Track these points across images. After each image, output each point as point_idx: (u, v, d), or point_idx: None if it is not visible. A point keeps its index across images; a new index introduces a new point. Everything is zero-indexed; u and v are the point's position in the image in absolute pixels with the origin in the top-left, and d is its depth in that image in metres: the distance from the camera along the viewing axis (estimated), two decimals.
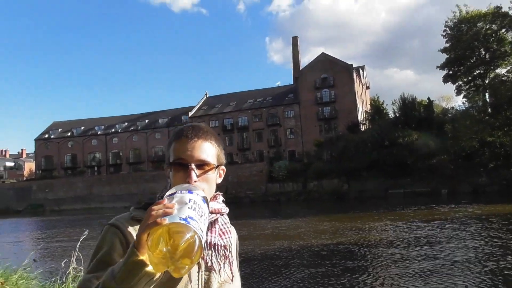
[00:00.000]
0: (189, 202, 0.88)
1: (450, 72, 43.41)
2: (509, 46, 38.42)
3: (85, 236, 3.39)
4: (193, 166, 1.07)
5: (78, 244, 3.05)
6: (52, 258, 11.49)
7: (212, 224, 1.11)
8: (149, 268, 0.84)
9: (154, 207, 0.86)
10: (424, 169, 35.98)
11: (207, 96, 67.61)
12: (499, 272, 7.83)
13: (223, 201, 1.19)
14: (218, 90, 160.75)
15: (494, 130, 34.19)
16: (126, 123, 68.46)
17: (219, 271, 1.10)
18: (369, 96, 65.55)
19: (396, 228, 15.20)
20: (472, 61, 41.67)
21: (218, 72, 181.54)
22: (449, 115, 44.05)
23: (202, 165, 1.09)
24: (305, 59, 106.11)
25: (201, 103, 65.28)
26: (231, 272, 1.13)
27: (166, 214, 0.83)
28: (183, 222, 0.83)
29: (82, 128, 69.65)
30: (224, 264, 1.11)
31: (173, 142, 1.13)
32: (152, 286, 0.89)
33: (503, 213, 17.99)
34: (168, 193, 0.94)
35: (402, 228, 15.07)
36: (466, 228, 13.92)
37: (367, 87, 66.15)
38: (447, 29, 42.98)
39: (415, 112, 44.58)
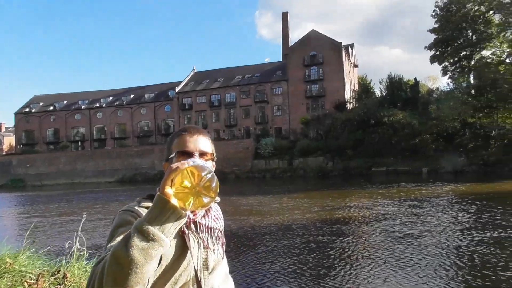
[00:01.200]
0: (200, 160, 1.10)
1: (438, 52, 43.62)
2: (496, 29, 38.57)
3: (85, 218, 3.46)
4: (197, 154, 1.26)
5: (81, 226, 3.10)
6: (39, 236, 11.60)
7: (207, 211, 1.29)
8: (175, 203, 0.98)
9: (172, 164, 1.04)
10: (407, 149, 36.60)
11: (195, 71, 66.74)
12: (446, 245, 8.29)
13: None
14: (206, 66, 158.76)
15: (475, 112, 34.77)
16: (111, 98, 67.41)
17: (214, 250, 1.28)
18: (357, 74, 65.61)
19: (368, 205, 15.54)
20: (459, 42, 41.87)
21: (206, 47, 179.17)
22: (434, 96, 44.57)
23: (203, 154, 1.29)
24: (296, 35, 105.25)
25: (188, 78, 64.46)
26: (223, 252, 1.34)
27: (184, 164, 1.02)
28: (201, 164, 1.05)
29: (65, 102, 68.34)
30: (218, 244, 1.29)
31: (176, 138, 1.33)
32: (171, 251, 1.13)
33: (475, 192, 18.53)
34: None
35: (375, 204, 15.42)
36: (432, 206, 14.36)
37: (356, 66, 66.11)
38: (437, 9, 42.93)
39: (402, 92, 44.94)
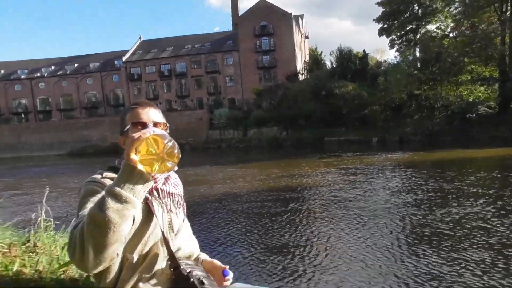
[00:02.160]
0: (158, 129, 1.19)
1: (385, 25, 44.92)
2: (441, 3, 40.22)
3: (48, 191, 3.42)
4: (151, 124, 1.38)
5: (45, 197, 3.10)
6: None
7: (166, 178, 1.42)
8: (142, 168, 1.08)
9: (133, 134, 1.11)
10: (358, 119, 38.11)
11: (142, 40, 64.04)
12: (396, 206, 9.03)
13: None
14: (153, 35, 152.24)
15: (421, 84, 36.63)
16: (53, 67, 63.34)
17: (176, 213, 1.44)
18: (308, 46, 66.28)
19: (313, 173, 16.09)
20: (406, 16, 43.26)
21: (153, 14, 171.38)
22: (382, 68, 46.30)
23: (156, 124, 1.40)
24: (245, 4, 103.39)
25: (135, 47, 61.71)
26: (185, 215, 1.51)
27: (145, 133, 1.09)
28: (162, 132, 1.13)
29: (2, 71, 63.44)
30: (179, 208, 1.46)
31: (128, 113, 1.44)
32: (138, 219, 1.22)
33: (412, 160, 19.82)
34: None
35: (319, 173, 16.01)
36: (370, 173, 15.21)
37: (306, 37, 66.63)
38: None
39: (351, 64, 46.13)
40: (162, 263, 1.32)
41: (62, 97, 61.17)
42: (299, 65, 55.03)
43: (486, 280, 4.66)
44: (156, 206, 1.33)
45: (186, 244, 1.47)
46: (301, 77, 51.10)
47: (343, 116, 38.71)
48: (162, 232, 1.31)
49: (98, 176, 1.32)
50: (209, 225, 8.45)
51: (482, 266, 5.10)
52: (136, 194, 1.07)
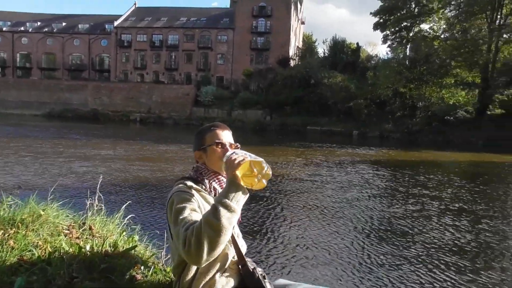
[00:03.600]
0: (253, 155, 1.43)
1: (381, 20, 44.95)
2: (436, 4, 40.37)
3: (102, 179, 3.61)
4: (227, 144, 1.70)
5: (98, 185, 3.27)
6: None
7: None
8: (243, 185, 1.38)
9: (233, 156, 1.41)
10: (342, 111, 38.30)
11: (136, 6, 62.44)
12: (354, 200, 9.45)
13: None
14: (149, 2, 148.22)
15: (407, 83, 36.99)
16: (38, 23, 61.13)
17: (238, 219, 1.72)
18: (302, 31, 65.84)
19: (294, 163, 16.31)
20: (402, 12, 43.43)
21: None
22: (372, 62, 46.45)
23: (231, 145, 1.72)
24: None
25: (129, 13, 60.16)
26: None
27: (245, 157, 1.39)
28: (260, 159, 1.40)
29: None
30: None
31: (208, 133, 1.74)
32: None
33: (391, 158, 20.29)
34: (229, 152, 1.48)
35: (299, 163, 16.20)
36: (347, 167, 15.64)
37: (303, 22, 66.12)
38: None
39: (343, 55, 46.19)
40: (230, 259, 1.61)
41: (45, 55, 59.33)
42: (292, 51, 54.67)
43: (420, 274, 5.31)
44: None
45: (242, 244, 1.75)
46: (292, 63, 50.82)
47: (328, 107, 38.87)
48: (232, 234, 1.58)
49: (184, 186, 1.58)
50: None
51: (418, 260, 5.77)
52: (239, 205, 1.37)
